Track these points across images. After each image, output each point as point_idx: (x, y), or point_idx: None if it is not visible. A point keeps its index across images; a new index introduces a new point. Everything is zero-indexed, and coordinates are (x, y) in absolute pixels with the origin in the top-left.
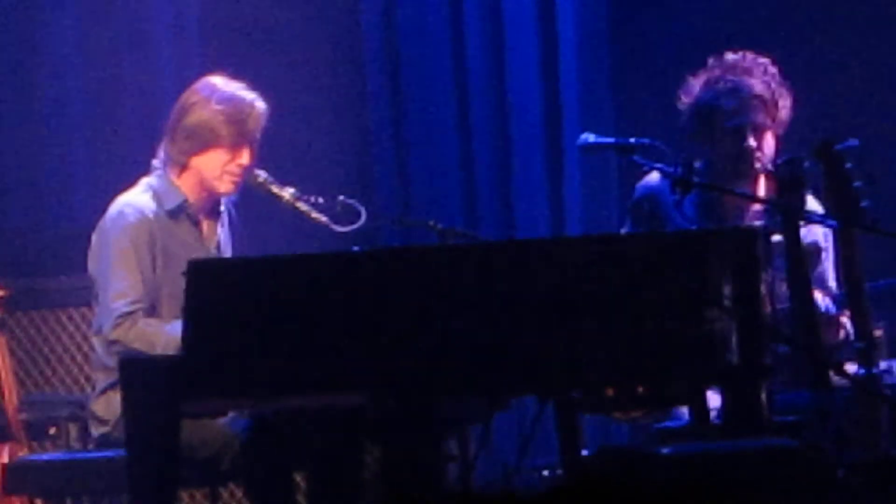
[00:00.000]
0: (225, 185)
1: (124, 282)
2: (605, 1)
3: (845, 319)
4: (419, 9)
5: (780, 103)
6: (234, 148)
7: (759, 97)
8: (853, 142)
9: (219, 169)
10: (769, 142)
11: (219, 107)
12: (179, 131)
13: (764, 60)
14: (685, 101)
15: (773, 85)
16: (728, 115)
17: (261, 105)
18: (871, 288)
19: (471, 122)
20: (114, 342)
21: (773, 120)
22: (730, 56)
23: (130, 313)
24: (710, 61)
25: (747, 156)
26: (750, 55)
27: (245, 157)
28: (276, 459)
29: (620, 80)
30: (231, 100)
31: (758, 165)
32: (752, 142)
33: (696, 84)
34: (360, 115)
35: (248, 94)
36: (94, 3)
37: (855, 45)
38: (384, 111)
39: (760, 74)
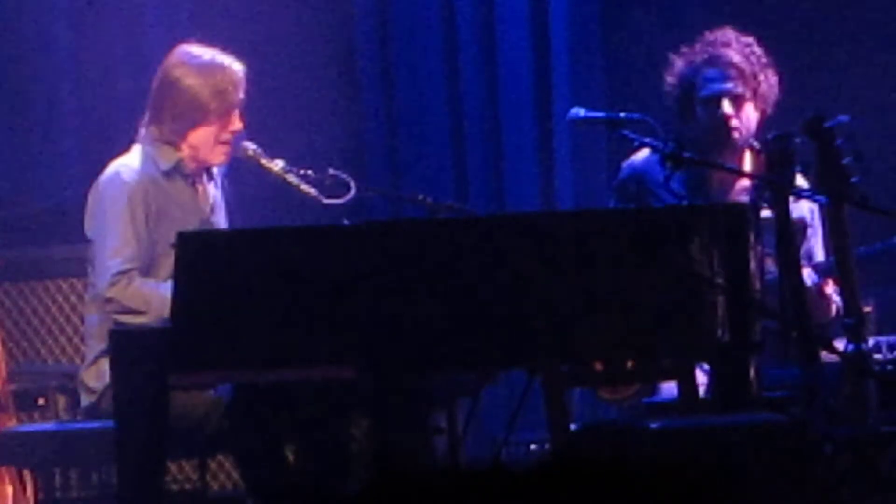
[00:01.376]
0: (218, 156)
1: (120, 240)
2: None
3: (830, 291)
4: None
5: (761, 77)
6: (223, 118)
7: (735, 66)
8: (843, 118)
9: (212, 141)
10: (748, 114)
11: (200, 79)
12: (166, 112)
13: (747, 38)
14: (670, 80)
15: (752, 58)
16: (704, 83)
17: (239, 67)
18: (857, 254)
19: (461, 96)
20: (109, 300)
21: (754, 93)
22: (710, 32)
23: (126, 271)
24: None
25: (723, 125)
26: (731, 31)
27: (235, 124)
28: (264, 432)
29: (611, 54)
30: (211, 69)
31: (735, 136)
32: (726, 108)
33: (678, 62)
34: (351, 87)
35: (225, 60)
36: None
37: (846, 21)
38: (375, 84)
39: (740, 48)
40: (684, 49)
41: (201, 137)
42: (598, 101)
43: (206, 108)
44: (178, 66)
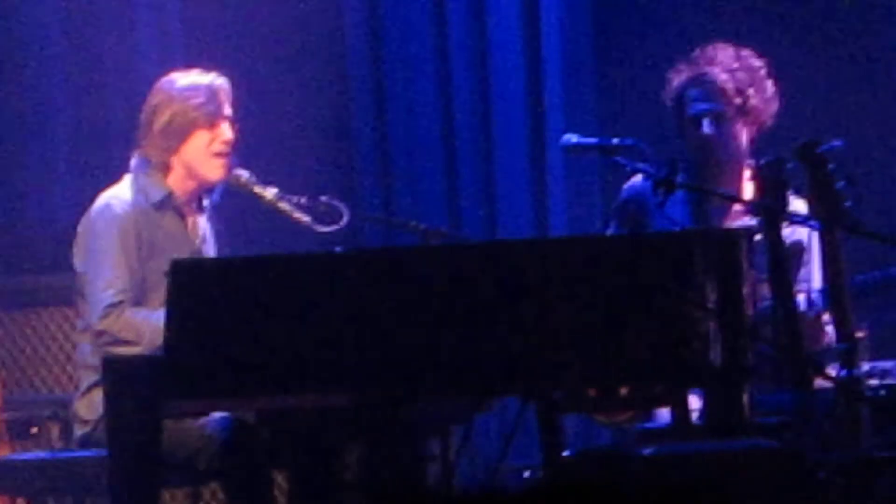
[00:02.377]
0: (214, 170)
1: (111, 272)
2: (590, 1)
3: (826, 321)
4: (403, 9)
5: (749, 91)
6: (212, 126)
7: (717, 84)
8: (836, 143)
9: (204, 152)
10: (735, 132)
11: (184, 94)
12: (154, 134)
13: (741, 52)
14: (665, 96)
15: (738, 74)
16: (689, 103)
17: (221, 80)
18: (851, 283)
19: (454, 122)
20: (101, 332)
21: (741, 110)
22: (702, 49)
23: (118, 304)
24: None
25: (704, 145)
26: (721, 45)
27: (226, 132)
28: (254, 458)
29: (604, 80)
30: (192, 85)
31: (719, 153)
32: (706, 128)
33: (672, 80)
34: (344, 114)
35: (206, 76)
36: (78, 2)
37: (840, 46)
38: (367, 111)
39: (728, 63)
40: (679, 66)
41: (193, 151)
42: (591, 127)
43: (192, 116)
44: (159, 93)
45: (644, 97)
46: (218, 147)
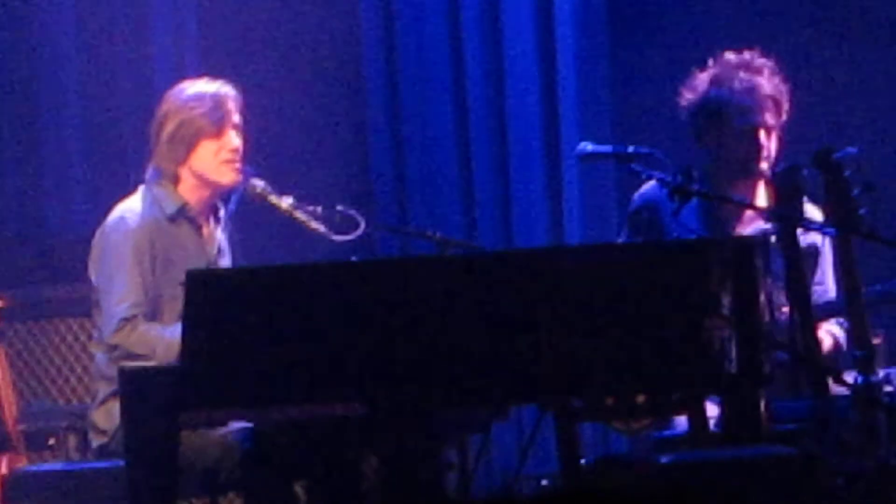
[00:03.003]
0: (226, 175)
1: (126, 286)
2: (604, 9)
3: (828, 328)
4: (418, 17)
5: (785, 106)
6: (219, 133)
7: (770, 98)
8: (852, 150)
9: (213, 160)
10: (775, 144)
11: (189, 103)
12: (163, 144)
13: (771, 64)
14: (690, 96)
15: (780, 87)
16: (740, 113)
17: (228, 88)
18: (868, 292)
19: (469, 131)
20: (115, 347)
21: (779, 122)
22: (738, 55)
23: (131, 318)
24: (718, 59)
25: (756, 156)
26: (756, 55)
27: (233, 140)
28: (275, 470)
29: (619, 88)
30: (199, 94)
31: (764, 167)
32: (763, 141)
33: (703, 79)
34: (359, 124)
35: (213, 83)
36: (93, 9)
37: (854, 53)
38: (383, 121)
39: (769, 75)
40: (712, 69)
41: (201, 160)
42: (606, 136)
43: (198, 124)
44: (166, 103)
45: (658, 106)
46: (225, 155)
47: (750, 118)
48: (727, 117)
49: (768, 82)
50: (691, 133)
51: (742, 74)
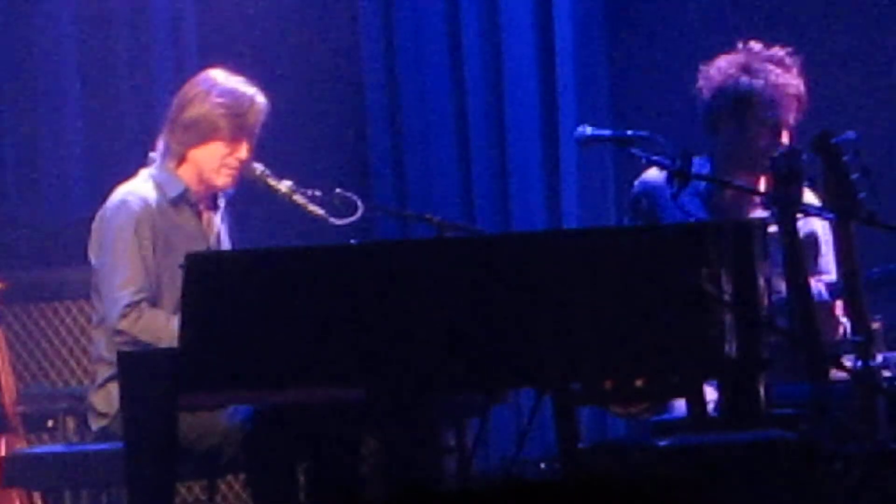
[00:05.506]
0: (222, 179)
1: (129, 271)
2: None
3: (840, 312)
4: (416, 3)
5: (804, 107)
6: (233, 142)
7: (796, 97)
8: (850, 134)
9: (217, 162)
10: (786, 142)
11: (219, 100)
12: (179, 123)
13: (797, 61)
14: (714, 80)
15: (803, 86)
16: (769, 107)
17: (261, 100)
18: (867, 276)
19: (468, 115)
20: (119, 332)
21: (796, 121)
22: (766, 47)
23: (136, 303)
24: (744, 46)
25: (772, 151)
26: (786, 52)
27: (243, 152)
28: (275, 452)
29: (617, 71)
30: (231, 94)
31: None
32: (785, 139)
33: (730, 65)
34: (357, 107)
35: (249, 89)
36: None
37: (853, 37)
38: (381, 104)
39: (797, 74)
40: (738, 56)
41: (208, 155)
42: (605, 120)
43: (218, 125)
44: (198, 86)
45: (657, 88)
46: (231, 162)
47: (777, 113)
48: (754, 108)
49: (796, 80)
50: (705, 116)
51: (773, 68)
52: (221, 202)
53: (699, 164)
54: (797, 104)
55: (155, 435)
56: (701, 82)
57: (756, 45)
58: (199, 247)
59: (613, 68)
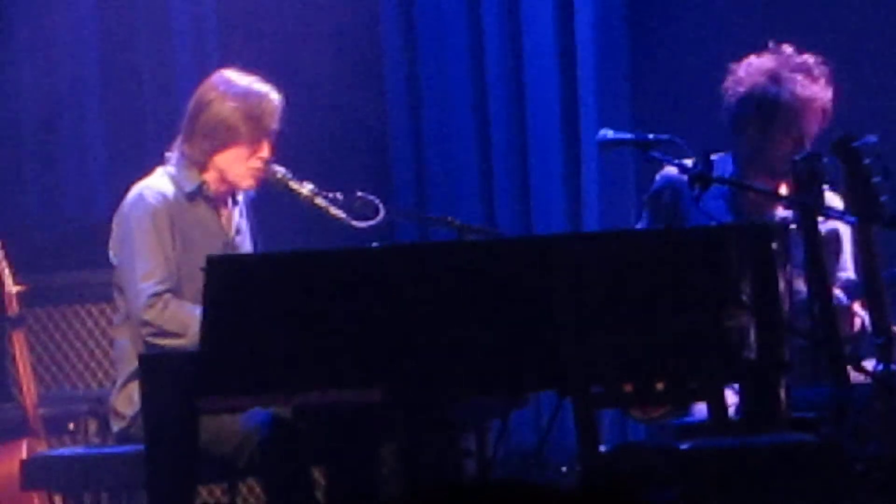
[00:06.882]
0: (246, 181)
1: (151, 262)
2: None
3: (858, 308)
4: (437, 6)
5: (829, 116)
6: (254, 143)
7: (822, 109)
8: (871, 138)
9: (242, 166)
10: (808, 148)
11: (235, 103)
12: (197, 131)
13: (827, 70)
14: (743, 83)
15: (830, 97)
16: (794, 118)
17: (276, 97)
18: (886, 275)
19: (489, 118)
20: (146, 323)
21: (820, 131)
22: (798, 53)
23: (161, 293)
24: (775, 47)
25: (787, 160)
26: (817, 60)
27: (265, 151)
28: (294, 455)
29: (638, 75)
30: (247, 95)
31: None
32: (805, 148)
33: (759, 70)
34: (379, 111)
35: (263, 87)
36: None
37: (875, 40)
38: (402, 108)
39: (825, 85)
40: (769, 60)
41: (229, 159)
42: (626, 123)
43: (237, 130)
44: (213, 90)
45: (678, 92)
46: (254, 163)
47: (801, 125)
48: (778, 119)
49: (823, 92)
50: (730, 117)
51: (801, 78)
52: (240, 197)
53: (721, 161)
54: (822, 116)
55: (175, 438)
56: (728, 82)
57: (787, 49)
58: (217, 241)
59: (634, 71)
